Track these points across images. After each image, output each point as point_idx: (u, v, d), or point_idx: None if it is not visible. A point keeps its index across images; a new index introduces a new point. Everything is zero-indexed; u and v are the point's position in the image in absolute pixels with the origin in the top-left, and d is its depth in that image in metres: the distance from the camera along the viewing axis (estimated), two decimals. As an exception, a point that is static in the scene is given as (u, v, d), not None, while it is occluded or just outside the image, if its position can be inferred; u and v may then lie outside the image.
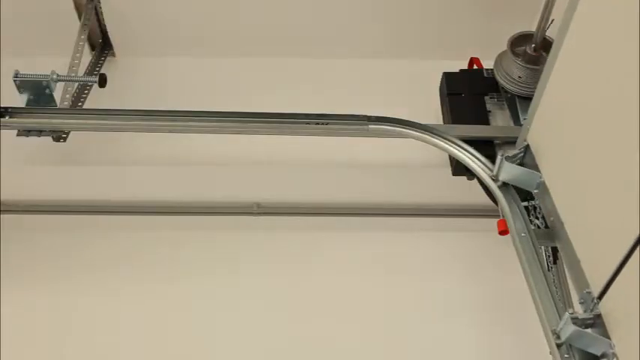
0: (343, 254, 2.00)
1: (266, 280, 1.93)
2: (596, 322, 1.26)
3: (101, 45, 2.24)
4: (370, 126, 1.75)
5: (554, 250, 1.62)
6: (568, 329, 1.28)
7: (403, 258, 2.00)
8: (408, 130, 1.72)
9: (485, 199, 1.76)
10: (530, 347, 1.74)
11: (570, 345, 1.31)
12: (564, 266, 1.46)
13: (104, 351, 1.79)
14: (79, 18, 2.13)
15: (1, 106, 1.78)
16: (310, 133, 1.82)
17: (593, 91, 1.33)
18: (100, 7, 2.16)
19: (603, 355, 1.26)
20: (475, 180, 1.76)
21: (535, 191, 1.56)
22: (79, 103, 1.97)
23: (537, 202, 1.55)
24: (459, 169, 1.80)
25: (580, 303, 1.29)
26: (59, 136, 1.86)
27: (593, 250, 1.32)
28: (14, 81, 1.77)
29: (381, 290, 1.92)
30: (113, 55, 2.27)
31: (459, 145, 1.68)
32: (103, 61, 2.21)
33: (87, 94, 2.00)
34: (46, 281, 1.91)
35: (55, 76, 1.80)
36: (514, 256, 1.53)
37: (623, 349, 1.21)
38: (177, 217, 2.07)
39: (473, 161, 1.66)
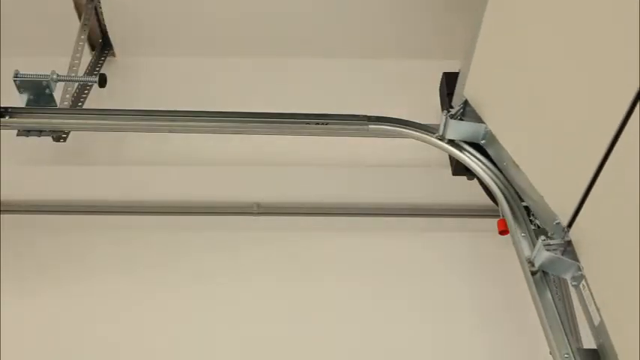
0: (343, 254, 1.99)
1: (266, 280, 1.93)
2: (566, 249, 1.36)
3: (101, 45, 2.24)
4: (370, 126, 1.75)
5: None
6: (541, 256, 1.37)
7: (403, 258, 1.99)
8: (408, 130, 1.72)
9: (485, 199, 1.76)
10: (531, 347, 1.74)
11: (544, 273, 1.40)
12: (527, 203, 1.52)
13: (104, 351, 1.79)
14: (79, 18, 2.13)
15: (1, 106, 1.78)
16: (310, 133, 1.82)
17: (526, 32, 1.37)
18: (100, 7, 2.16)
19: (573, 278, 1.36)
20: (475, 180, 1.76)
21: (482, 142, 1.62)
22: (79, 103, 1.97)
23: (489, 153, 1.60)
24: (459, 169, 1.80)
25: (550, 235, 1.36)
26: (59, 136, 1.86)
27: (555, 183, 1.38)
28: (14, 81, 1.77)
29: (380, 290, 1.92)
30: (113, 55, 2.27)
31: (458, 145, 1.68)
32: (103, 61, 2.21)
33: (87, 94, 2.00)
34: (45, 281, 1.91)
35: (55, 76, 1.80)
36: (514, 256, 1.53)
37: (591, 271, 1.31)
38: (177, 217, 2.07)
39: (473, 161, 1.66)
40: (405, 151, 1.98)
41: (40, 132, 1.82)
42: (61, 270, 1.94)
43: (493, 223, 1.64)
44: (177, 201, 2.08)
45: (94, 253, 1.98)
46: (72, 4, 2.12)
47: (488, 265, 1.95)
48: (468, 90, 1.61)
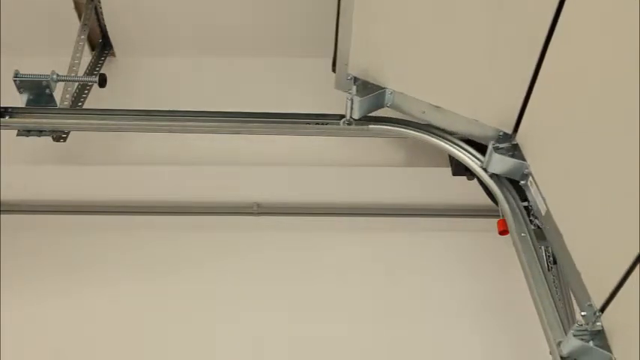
0: (343, 254, 1.99)
1: (266, 280, 1.93)
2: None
3: (101, 45, 2.24)
4: (370, 126, 1.75)
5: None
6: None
7: (403, 258, 1.99)
8: (408, 130, 1.72)
9: (485, 199, 1.76)
10: (530, 347, 1.74)
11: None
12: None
13: (104, 350, 1.79)
14: (79, 18, 2.13)
15: (1, 106, 1.78)
16: (310, 133, 1.82)
17: None
18: (100, 7, 2.16)
19: (522, 176, 1.43)
20: (475, 180, 1.76)
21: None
22: (79, 103, 1.97)
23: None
24: (459, 169, 1.80)
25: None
26: (59, 136, 1.86)
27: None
28: (14, 81, 1.77)
29: (381, 290, 1.91)
30: (113, 55, 2.27)
31: (458, 145, 1.68)
32: (103, 61, 2.21)
33: (87, 94, 2.00)
34: (45, 281, 1.91)
35: (55, 76, 1.80)
36: (514, 256, 1.53)
37: (536, 168, 1.36)
38: (178, 217, 2.07)
39: (472, 161, 1.66)
40: (405, 151, 1.98)
41: (40, 132, 1.83)
42: (61, 270, 1.94)
43: (493, 223, 1.64)
44: (177, 201, 2.08)
45: (93, 252, 1.98)
46: (72, 4, 2.12)
47: (488, 265, 1.95)
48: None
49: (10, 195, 2.03)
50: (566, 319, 1.40)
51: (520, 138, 1.54)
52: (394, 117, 1.75)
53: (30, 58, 1.92)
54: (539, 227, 1.53)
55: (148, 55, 2.25)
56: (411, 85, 1.62)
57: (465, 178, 1.82)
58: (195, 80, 2.19)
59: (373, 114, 1.75)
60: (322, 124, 1.77)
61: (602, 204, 1.28)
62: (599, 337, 1.26)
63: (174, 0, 2.15)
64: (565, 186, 1.41)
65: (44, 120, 1.80)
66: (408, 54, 1.57)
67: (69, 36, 2.06)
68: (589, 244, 1.33)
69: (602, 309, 1.27)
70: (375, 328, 1.84)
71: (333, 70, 1.73)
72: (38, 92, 1.81)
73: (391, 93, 1.66)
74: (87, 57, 2.16)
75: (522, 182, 1.55)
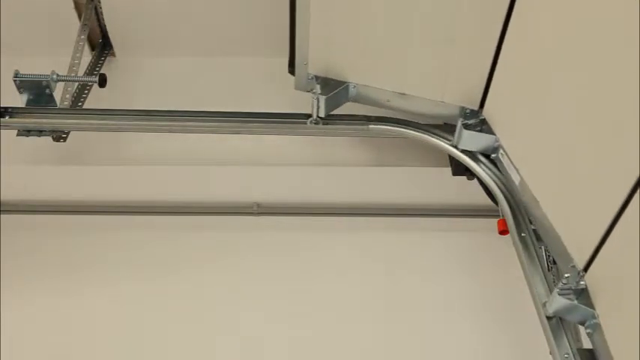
0: (343, 254, 1.99)
1: (266, 280, 1.93)
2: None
3: (101, 45, 2.24)
4: (370, 126, 1.75)
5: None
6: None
7: (403, 258, 1.99)
8: (408, 130, 1.72)
9: (485, 199, 1.76)
10: (530, 347, 1.74)
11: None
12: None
13: (104, 350, 1.79)
14: (79, 18, 2.13)
15: (1, 106, 1.78)
16: (310, 133, 1.82)
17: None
18: (100, 7, 2.16)
19: (493, 150, 1.47)
20: (475, 180, 1.76)
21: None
22: (79, 103, 1.97)
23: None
24: (459, 169, 1.80)
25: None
26: (59, 136, 1.86)
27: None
28: (14, 81, 1.77)
29: (381, 290, 1.92)
30: (113, 55, 2.27)
31: (458, 146, 1.68)
32: (103, 61, 2.21)
33: (87, 94, 2.00)
34: (45, 281, 1.91)
35: (55, 76, 1.80)
36: (514, 256, 1.53)
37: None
38: (177, 217, 2.07)
39: (472, 161, 1.66)
40: (405, 151, 1.98)
41: (40, 132, 1.83)
42: (61, 270, 1.94)
43: (493, 223, 1.64)
44: (177, 201, 2.08)
45: (93, 252, 1.98)
46: (72, 4, 2.12)
47: (488, 265, 1.95)
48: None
49: (10, 195, 2.03)
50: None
51: (487, 113, 1.59)
52: (394, 117, 1.75)
53: (30, 58, 1.92)
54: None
55: (148, 55, 2.25)
56: (373, 75, 1.65)
57: (465, 178, 1.82)
58: (195, 80, 2.19)
59: (373, 114, 1.75)
60: (322, 124, 1.76)
61: (574, 167, 1.32)
62: (583, 295, 1.31)
63: (174, 0, 2.15)
64: (535, 153, 1.45)
65: (44, 120, 1.80)
66: (367, 45, 1.59)
67: (69, 36, 2.06)
68: (566, 207, 1.37)
69: (586, 268, 1.32)
70: (375, 328, 1.84)
71: (290, 72, 1.74)
72: (38, 92, 1.81)
73: (354, 87, 1.68)
74: (87, 57, 2.16)
75: (493, 155, 1.59)
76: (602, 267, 1.28)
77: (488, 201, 1.75)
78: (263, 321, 1.85)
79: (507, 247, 1.59)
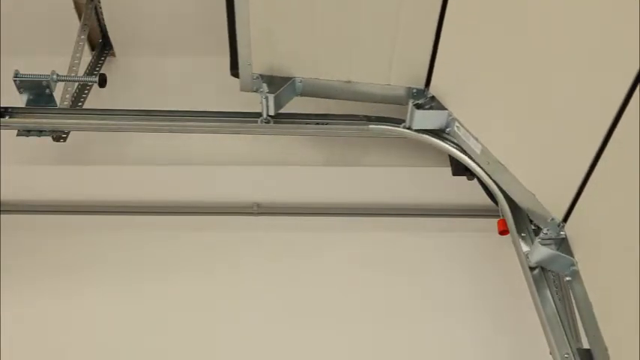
0: (343, 254, 1.99)
1: (266, 280, 1.93)
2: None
3: (101, 45, 2.24)
4: (370, 126, 1.75)
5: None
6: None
7: (403, 258, 1.99)
8: (407, 130, 1.72)
9: (485, 199, 1.76)
10: (531, 347, 1.74)
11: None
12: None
13: (104, 351, 1.79)
14: (79, 18, 2.13)
15: (1, 106, 1.78)
16: (310, 133, 1.82)
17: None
18: (100, 7, 2.16)
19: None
20: (475, 180, 1.76)
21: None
22: (79, 103, 1.97)
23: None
24: (459, 169, 1.80)
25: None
26: (59, 136, 1.86)
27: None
28: (14, 81, 1.77)
29: (381, 290, 1.91)
30: (113, 55, 2.27)
31: (457, 145, 1.68)
32: (103, 61, 2.21)
33: (87, 94, 2.00)
34: (45, 281, 1.91)
35: (55, 76, 1.80)
36: (514, 256, 1.54)
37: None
38: (177, 217, 2.07)
39: (472, 160, 1.66)
40: (405, 151, 1.98)
41: (40, 132, 1.83)
42: (61, 270, 1.94)
43: (493, 223, 1.64)
44: (177, 201, 2.08)
45: (93, 252, 1.98)
46: (72, 4, 2.12)
47: (488, 265, 1.95)
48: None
49: (10, 195, 2.03)
50: (567, 319, 1.40)
51: (434, 90, 1.64)
52: (394, 117, 1.75)
53: (30, 58, 1.92)
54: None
55: (148, 55, 2.25)
56: (318, 68, 1.67)
57: (465, 178, 1.82)
58: (195, 80, 2.19)
59: (373, 114, 1.75)
60: (322, 124, 1.77)
61: (537, 125, 1.36)
62: (564, 245, 1.39)
63: (174, 0, 2.15)
64: (492, 119, 1.49)
65: (44, 120, 1.80)
66: (309, 38, 1.61)
67: (69, 36, 2.06)
68: (536, 166, 1.42)
69: (565, 219, 1.39)
70: (375, 328, 1.84)
71: (233, 75, 1.75)
72: (38, 92, 1.81)
73: (300, 81, 1.70)
74: (87, 57, 2.16)
75: (448, 129, 1.62)
76: (580, 217, 1.34)
77: (488, 201, 1.75)
78: (263, 321, 1.85)
79: (507, 247, 1.59)
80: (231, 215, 2.07)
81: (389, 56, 1.60)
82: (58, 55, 1.98)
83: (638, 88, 1.11)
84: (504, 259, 1.75)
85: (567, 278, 1.40)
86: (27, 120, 1.80)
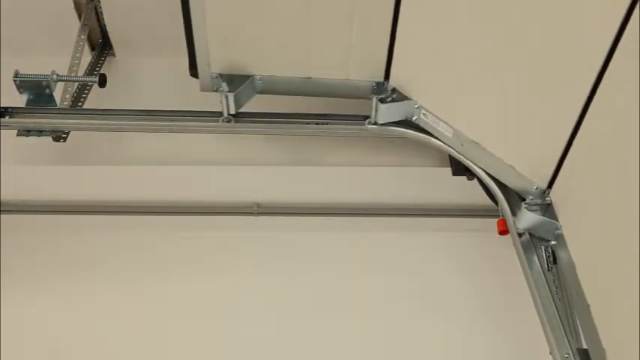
0: (343, 254, 1.99)
1: (266, 280, 1.93)
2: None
3: (101, 45, 2.24)
4: (370, 126, 1.75)
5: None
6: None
7: (403, 258, 1.99)
8: (407, 130, 1.72)
9: (485, 199, 1.76)
10: (531, 347, 1.74)
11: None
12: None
13: (104, 351, 1.79)
14: (79, 18, 2.13)
15: (1, 106, 1.78)
16: (310, 133, 1.82)
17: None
18: (100, 7, 2.16)
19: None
20: (475, 180, 1.76)
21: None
22: (79, 103, 1.97)
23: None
24: (459, 169, 1.80)
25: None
26: (59, 136, 1.86)
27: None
28: (14, 81, 1.77)
29: (380, 290, 1.92)
30: (113, 55, 2.27)
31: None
32: (103, 61, 2.21)
33: (87, 94, 2.00)
34: (45, 281, 1.91)
35: (55, 76, 1.80)
36: (514, 256, 1.54)
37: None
38: (177, 217, 2.07)
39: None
40: (405, 151, 1.98)
41: (40, 132, 1.83)
42: (61, 270, 1.94)
43: (493, 223, 1.64)
44: (177, 201, 2.08)
45: (93, 253, 1.98)
46: (72, 4, 2.12)
47: (488, 265, 1.95)
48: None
49: (10, 195, 2.03)
50: (567, 319, 1.40)
51: (394, 81, 1.66)
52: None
53: (30, 58, 1.92)
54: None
55: (148, 55, 2.25)
56: (276, 65, 1.68)
57: (465, 178, 1.82)
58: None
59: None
60: (322, 124, 1.77)
61: (508, 99, 1.40)
62: (549, 210, 1.46)
63: (174, 0, 2.15)
64: (459, 100, 1.52)
65: (44, 120, 1.80)
66: (267, 35, 1.62)
67: (69, 36, 2.06)
68: (513, 138, 1.45)
69: (550, 185, 1.44)
70: (375, 328, 1.84)
71: (192, 75, 1.75)
72: (38, 92, 1.81)
73: (260, 79, 1.71)
74: (87, 57, 2.16)
75: (415, 118, 1.65)
76: (564, 182, 1.40)
77: (488, 201, 1.75)
78: (263, 321, 1.85)
79: (507, 247, 1.59)
80: (231, 215, 2.07)
81: (346, 50, 1.61)
82: (58, 55, 1.98)
83: (617, 50, 1.15)
84: (504, 259, 1.75)
85: (552, 242, 1.47)
86: (27, 120, 1.80)
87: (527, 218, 1.47)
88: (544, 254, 1.53)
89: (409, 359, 1.80)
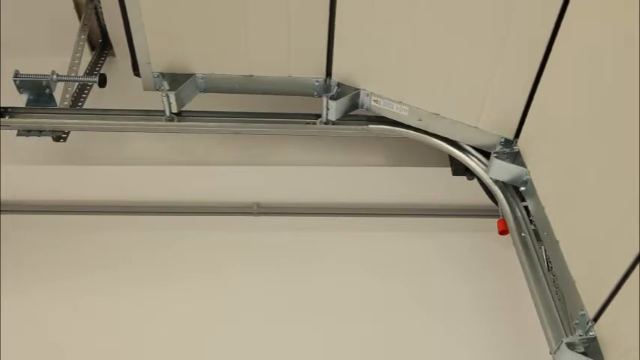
0: (343, 254, 1.99)
1: (266, 280, 1.93)
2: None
3: (101, 45, 2.24)
4: (370, 126, 1.75)
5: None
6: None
7: (403, 258, 1.99)
8: (407, 130, 1.72)
9: (485, 199, 1.76)
10: (531, 347, 1.74)
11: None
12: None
13: (104, 351, 1.79)
14: (79, 18, 2.13)
15: (1, 106, 1.78)
16: (310, 133, 1.82)
17: None
18: (100, 7, 2.16)
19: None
20: (475, 180, 1.76)
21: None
22: (79, 103, 1.97)
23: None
24: (459, 169, 1.80)
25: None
26: (59, 136, 1.86)
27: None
28: (14, 81, 1.77)
29: (380, 290, 1.92)
30: (113, 55, 2.27)
31: (458, 145, 1.68)
32: (103, 61, 2.21)
33: (87, 94, 2.00)
34: (45, 281, 1.91)
35: (55, 76, 1.80)
36: (514, 256, 1.54)
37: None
38: (178, 217, 2.07)
39: (472, 160, 1.66)
40: (405, 151, 1.98)
41: (40, 132, 1.83)
42: (61, 270, 1.94)
43: (493, 223, 1.64)
44: (177, 201, 2.08)
45: (93, 252, 1.98)
46: (72, 4, 2.12)
47: (488, 265, 1.95)
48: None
49: (10, 195, 2.03)
50: (566, 319, 1.40)
51: (336, 76, 1.67)
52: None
53: (30, 58, 1.92)
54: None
55: (147, 55, 2.25)
56: (217, 63, 1.67)
57: (465, 178, 1.82)
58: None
59: (373, 115, 1.75)
60: (322, 124, 1.77)
61: (458, 62, 1.43)
62: (518, 158, 1.53)
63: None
64: (410, 76, 1.56)
65: (44, 120, 1.80)
66: (206, 33, 1.61)
67: (69, 36, 2.06)
68: (472, 101, 1.50)
69: (517, 135, 1.51)
70: (375, 328, 1.84)
71: (136, 74, 1.74)
72: (38, 92, 1.81)
73: (202, 78, 1.70)
74: (87, 57, 2.16)
75: (365, 106, 1.68)
76: (528, 130, 1.46)
77: (488, 201, 1.75)
78: (263, 321, 1.85)
79: (507, 247, 1.59)
80: (231, 215, 2.07)
81: (286, 48, 1.61)
82: (58, 55, 1.98)
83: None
84: (504, 259, 1.75)
85: (522, 188, 1.54)
86: (27, 120, 1.80)
87: (497, 167, 1.53)
88: (544, 254, 1.53)
89: (409, 358, 1.80)
